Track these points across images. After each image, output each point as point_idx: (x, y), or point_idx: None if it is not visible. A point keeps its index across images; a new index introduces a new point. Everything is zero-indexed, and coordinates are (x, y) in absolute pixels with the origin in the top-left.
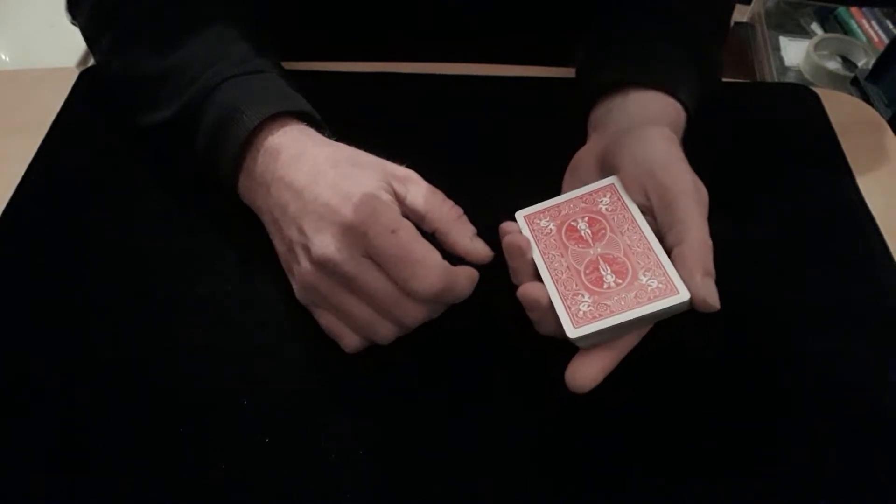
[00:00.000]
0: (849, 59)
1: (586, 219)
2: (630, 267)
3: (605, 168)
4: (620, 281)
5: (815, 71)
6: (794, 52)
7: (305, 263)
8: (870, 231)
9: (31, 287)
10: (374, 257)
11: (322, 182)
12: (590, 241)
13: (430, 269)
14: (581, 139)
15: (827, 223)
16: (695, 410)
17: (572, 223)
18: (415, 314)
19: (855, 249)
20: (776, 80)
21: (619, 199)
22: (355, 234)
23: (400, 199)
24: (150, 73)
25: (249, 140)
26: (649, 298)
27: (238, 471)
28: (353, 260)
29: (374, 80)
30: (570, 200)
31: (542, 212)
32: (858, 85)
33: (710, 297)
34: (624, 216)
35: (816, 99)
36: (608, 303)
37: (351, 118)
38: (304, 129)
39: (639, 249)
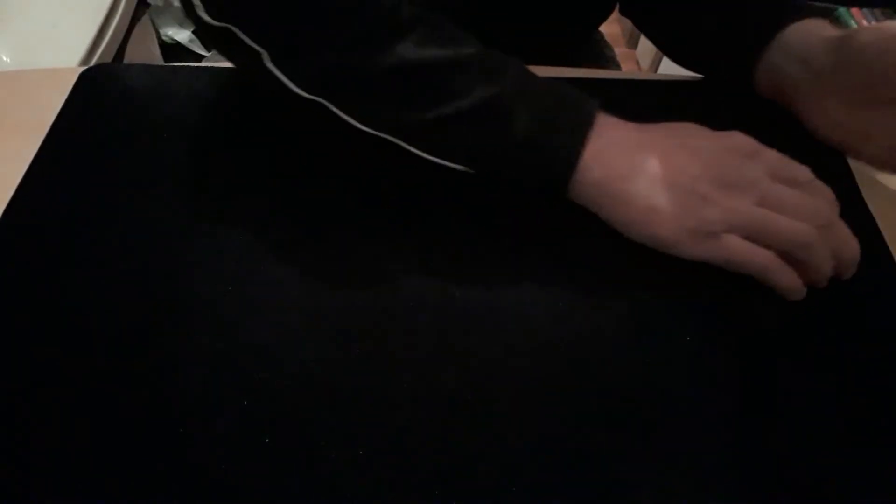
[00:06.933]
0: None
1: None
2: None
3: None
4: None
5: None
6: None
7: (740, 198)
8: (870, 231)
9: (30, 287)
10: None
11: (693, 138)
12: None
13: None
14: None
15: None
16: (691, 410)
17: None
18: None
19: None
20: None
21: None
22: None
23: None
24: (428, 63)
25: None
26: None
27: (238, 471)
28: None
29: None
30: None
31: None
32: None
33: None
34: None
35: None
36: None
37: None
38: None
39: None
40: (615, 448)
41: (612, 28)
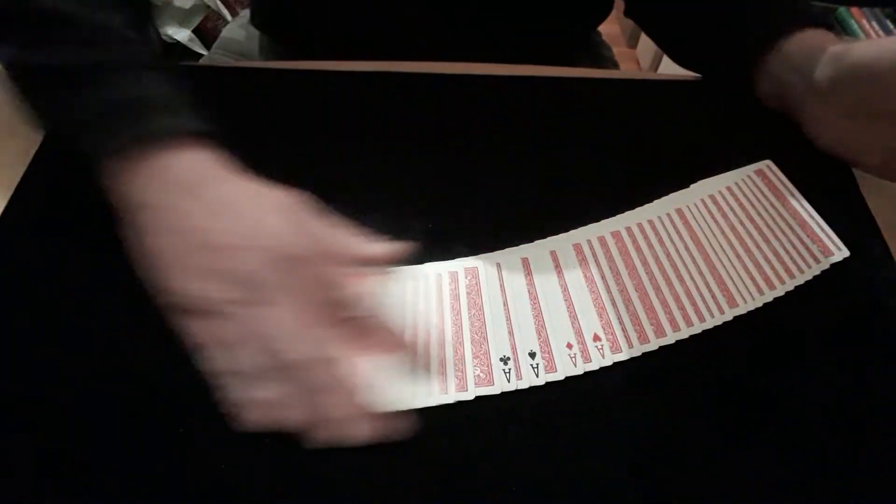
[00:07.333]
0: None
1: None
2: None
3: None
4: None
5: None
6: None
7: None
8: (870, 231)
9: (30, 288)
10: None
11: (266, 213)
12: None
13: None
14: (581, 139)
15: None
16: (691, 410)
17: None
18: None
19: (855, 249)
20: None
21: None
22: None
23: None
24: (45, 8)
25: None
26: None
27: (238, 471)
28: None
29: (375, 80)
30: None
31: None
32: None
33: None
34: None
35: None
36: None
37: (351, 118)
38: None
39: None
40: (615, 448)
41: (612, 28)
